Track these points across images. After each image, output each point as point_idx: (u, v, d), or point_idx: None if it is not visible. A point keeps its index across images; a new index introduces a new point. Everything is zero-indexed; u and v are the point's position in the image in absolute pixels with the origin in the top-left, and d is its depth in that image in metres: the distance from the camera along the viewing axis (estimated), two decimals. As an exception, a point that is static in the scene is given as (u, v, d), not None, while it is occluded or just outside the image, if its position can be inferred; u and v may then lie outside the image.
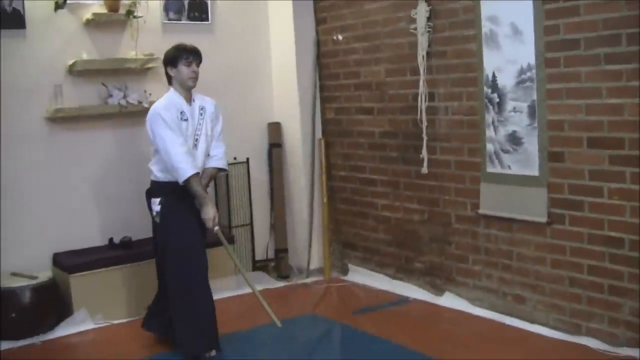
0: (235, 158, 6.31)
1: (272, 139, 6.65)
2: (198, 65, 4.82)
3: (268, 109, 6.71)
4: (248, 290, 5.57)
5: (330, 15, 6.42)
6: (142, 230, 5.82)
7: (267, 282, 6.31)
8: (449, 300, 5.59)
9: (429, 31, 5.47)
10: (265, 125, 6.68)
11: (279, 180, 6.67)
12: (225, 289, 5.93)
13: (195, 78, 4.78)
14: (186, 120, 4.75)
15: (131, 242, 5.84)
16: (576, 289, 4.75)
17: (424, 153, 5.61)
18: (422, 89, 5.55)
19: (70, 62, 5.64)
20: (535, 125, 4.83)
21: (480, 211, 5.29)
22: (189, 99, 4.83)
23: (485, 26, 5.07)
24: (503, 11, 4.94)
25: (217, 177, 6.28)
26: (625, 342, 4.48)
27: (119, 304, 5.56)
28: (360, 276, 6.39)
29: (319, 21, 6.56)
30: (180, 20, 6.16)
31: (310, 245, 6.57)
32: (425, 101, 5.55)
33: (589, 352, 4.55)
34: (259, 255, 6.62)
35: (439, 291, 5.71)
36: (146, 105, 5.77)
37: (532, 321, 5.02)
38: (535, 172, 4.88)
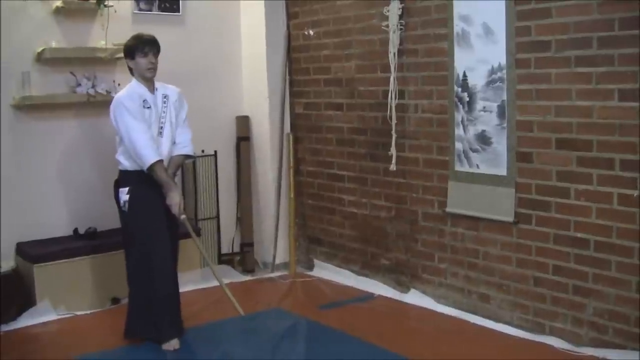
0: (203, 151, 6.28)
1: (240, 133, 6.63)
2: (156, 55, 4.86)
3: (237, 102, 6.69)
4: (214, 283, 5.58)
5: (302, 10, 6.41)
6: (107, 221, 5.80)
7: (232, 276, 6.29)
8: (414, 298, 5.62)
9: (400, 29, 5.49)
10: (234, 118, 6.65)
11: (246, 174, 6.66)
12: (191, 281, 5.91)
13: (152, 69, 4.84)
14: (149, 107, 4.81)
15: (96, 233, 5.79)
16: (541, 289, 4.80)
17: (393, 150, 5.62)
18: (392, 86, 5.56)
19: (39, 49, 5.57)
20: (505, 125, 4.87)
21: (448, 209, 5.32)
22: (152, 88, 4.89)
23: (458, 25, 5.09)
24: (475, 11, 4.96)
25: (184, 169, 6.26)
26: (589, 342, 4.54)
27: (83, 295, 5.52)
28: (326, 272, 6.41)
29: (290, 16, 6.54)
30: (151, 10, 6.11)
31: (276, 240, 6.55)
32: (395, 98, 5.56)
33: (552, 352, 4.59)
34: (225, 249, 6.60)
35: (405, 288, 5.74)
36: (114, 96, 5.72)
37: (496, 319, 5.06)
38: (503, 171, 4.92)
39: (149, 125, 4.78)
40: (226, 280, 5.74)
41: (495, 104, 4.90)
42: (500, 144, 4.90)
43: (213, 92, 6.54)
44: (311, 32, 6.35)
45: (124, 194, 4.81)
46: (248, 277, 6.41)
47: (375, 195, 5.93)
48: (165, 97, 4.94)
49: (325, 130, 6.32)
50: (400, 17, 5.47)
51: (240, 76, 6.71)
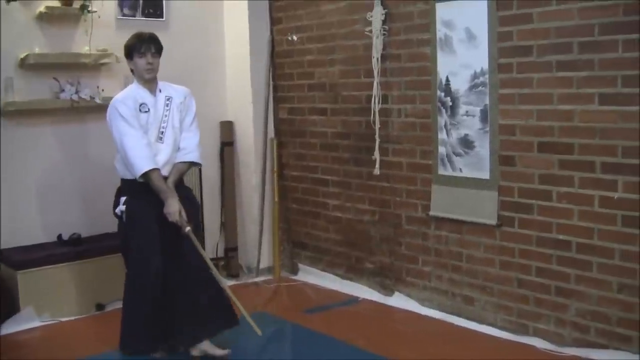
0: (187, 156, 6.31)
1: (224, 138, 6.64)
2: (155, 55, 4.64)
3: (221, 107, 6.70)
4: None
5: (286, 15, 6.44)
6: (92, 227, 5.81)
7: (217, 281, 6.30)
8: (399, 301, 5.65)
9: (384, 34, 5.53)
10: (218, 123, 6.66)
11: (230, 179, 6.67)
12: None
13: (151, 69, 4.62)
14: (147, 112, 4.59)
15: (81, 239, 5.77)
16: (524, 290, 4.85)
17: (376, 154, 5.66)
18: (375, 91, 5.60)
19: (22, 55, 5.55)
20: (487, 129, 4.92)
21: (431, 213, 5.37)
22: (154, 90, 4.68)
23: (440, 31, 5.14)
24: (458, 16, 5.02)
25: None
26: (572, 343, 4.61)
27: (67, 301, 5.50)
28: (311, 276, 6.43)
29: (274, 21, 6.57)
30: (134, 16, 6.11)
31: (260, 244, 6.57)
32: (378, 103, 5.60)
33: (535, 352, 4.65)
34: (209, 254, 6.55)
35: (389, 291, 5.78)
36: (98, 101, 5.73)
37: (480, 321, 5.11)
38: (486, 175, 4.97)
39: (145, 131, 4.55)
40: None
41: (478, 109, 4.96)
42: (483, 147, 4.95)
43: (197, 97, 6.40)
44: (295, 38, 6.38)
45: (121, 204, 4.64)
46: (233, 282, 6.42)
47: (359, 199, 5.96)
48: (168, 99, 4.69)
49: (309, 134, 6.35)
50: (384, 22, 5.52)
51: (224, 82, 6.72)
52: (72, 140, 5.89)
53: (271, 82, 6.59)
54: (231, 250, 6.66)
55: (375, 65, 5.58)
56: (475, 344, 4.87)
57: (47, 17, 5.66)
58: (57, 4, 5.65)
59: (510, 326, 4.95)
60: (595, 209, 4.43)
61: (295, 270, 6.64)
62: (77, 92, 5.73)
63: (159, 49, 4.66)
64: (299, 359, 4.80)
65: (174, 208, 4.48)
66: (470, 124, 5.01)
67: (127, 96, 4.59)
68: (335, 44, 6.02)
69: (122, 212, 4.62)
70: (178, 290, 4.57)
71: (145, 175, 4.46)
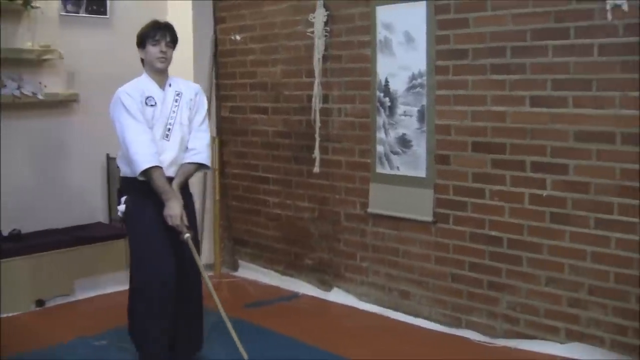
0: (129, 152, 6.34)
1: (166, 135, 6.69)
2: (169, 44, 4.26)
3: (163, 104, 6.74)
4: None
5: (230, 15, 6.52)
6: (33, 222, 5.79)
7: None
8: (338, 296, 5.78)
9: (325, 35, 5.65)
10: (161, 121, 6.69)
11: (172, 176, 6.71)
12: (117, 283, 5.93)
13: (164, 58, 4.22)
14: (153, 105, 4.19)
15: (21, 235, 5.74)
16: (458, 285, 5.03)
17: (317, 153, 5.78)
18: (316, 90, 5.72)
19: (-37, 50, 5.53)
20: (424, 129, 5.08)
21: (369, 210, 5.51)
22: (163, 83, 4.29)
23: (380, 33, 5.29)
24: (398, 19, 5.17)
25: (110, 171, 6.27)
26: (502, 334, 4.80)
27: (6, 297, 5.42)
28: (251, 272, 6.51)
29: (217, 20, 6.64)
30: (78, 13, 6.12)
31: (201, 241, 6.62)
32: (319, 103, 5.73)
33: (468, 344, 4.83)
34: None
35: (328, 287, 5.90)
36: (41, 97, 5.74)
37: (416, 315, 5.27)
38: (422, 173, 5.13)
39: (150, 127, 4.15)
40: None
41: (416, 109, 5.11)
42: (420, 147, 5.12)
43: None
44: (238, 37, 6.46)
45: (122, 204, 4.27)
46: (173, 278, 6.46)
47: (299, 196, 6.08)
48: (178, 94, 4.29)
49: (250, 133, 6.44)
50: (326, 24, 5.64)
51: (167, 79, 6.75)
52: (13, 136, 5.85)
53: (214, 81, 6.67)
54: (172, 246, 6.69)
55: (317, 66, 5.70)
56: (412, 337, 5.01)
57: (-12, 12, 5.65)
58: (0, -1, 5.64)
59: (445, 319, 5.12)
60: (525, 206, 4.63)
61: (235, 267, 6.71)
62: (19, 88, 5.71)
63: (174, 39, 4.31)
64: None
65: (175, 211, 4.07)
66: (407, 123, 5.17)
67: (133, 87, 4.21)
68: (277, 44, 6.13)
69: (122, 213, 4.27)
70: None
71: (147, 173, 4.05)
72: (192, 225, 4.31)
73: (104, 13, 6.27)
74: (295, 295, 5.93)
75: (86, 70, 6.14)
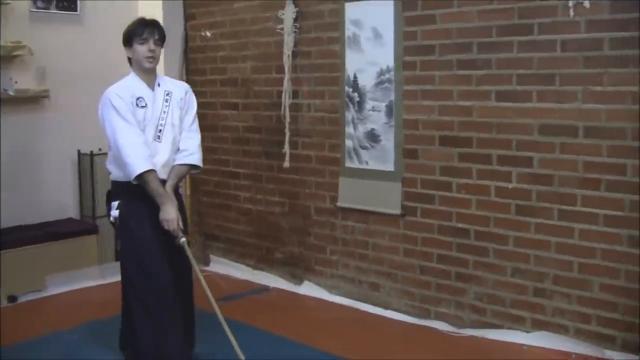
0: (100, 149, 6.34)
1: (137, 131, 6.71)
2: (157, 42, 4.08)
3: (134, 101, 6.76)
4: (113, 279, 5.69)
5: (200, 11, 6.56)
6: (3, 219, 5.81)
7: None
8: (308, 289, 5.85)
9: (295, 32, 5.72)
10: (131, 117, 6.72)
11: (143, 172, 6.74)
12: (89, 278, 5.96)
13: (152, 57, 4.04)
14: (144, 106, 4.03)
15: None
16: (426, 276, 5.12)
17: (286, 148, 5.85)
18: (286, 86, 5.79)
19: None
20: (392, 123, 5.16)
21: (339, 204, 5.58)
22: (152, 83, 4.13)
23: (349, 29, 5.36)
24: (366, 16, 5.24)
25: (82, 167, 6.30)
26: (470, 324, 4.90)
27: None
28: (222, 266, 6.55)
29: (188, 17, 6.68)
30: (48, 9, 6.14)
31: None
32: (289, 98, 5.80)
33: (437, 334, 4.92)
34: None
35: (299, 280, 5.97)
36: (12, 93, 5.76)
37: (385, 307, 5.35)
38: (390, 167, 5.21)
39: (142, 128, 3.99)
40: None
41: (384, 104, 5.20)
42: (388, 141, 5.20)
43: (110, 91, 6.59)
44: (208, 34, 6.50)
45: (114, 209, 4.08)
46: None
47: (269, 191, 6.14)
48: (168, 94, 4.15)
49: (221, 129, 6.49)
50: (295, 20, 5.71)
51: (137, 76, 6.77)
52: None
53: (184, 77, 6.68)
54: (143, 242, 6.71)
55: (286, 62, 5.77)
56: (381, 328, 5.09)
57: (-42, 8, 5.66)
58: (-31, -6, 5.65)
59: (414, 311, 5.21)
60: (491, 198, 4.73)
61: (207, 262, 6.75)
62: (-11, 83, 5.74)
63: (162, 37, 4.12)
64: (212, 343, 4.91)
65: (171, 215, 3.95)
66: (376, 118, 5.25)
67: (122, 88, 4.03)
68: (247, 41, 6.18)
69: (115, 218, 4.07)
70: None
71: (141, 177, 3.90)
72: (184, 227, 4.15)
73: (74, 9, 6.30)
74: (266, 289, 5.98)
75: (57, 66, 6.16)
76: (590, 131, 4.31)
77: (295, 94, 5.80)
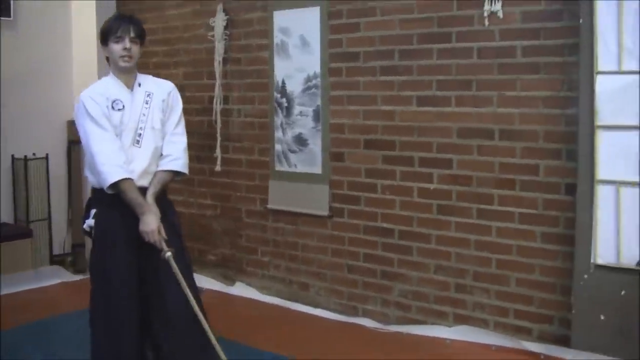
0: (34, 154, 6.38)
1: (71, 136, 6.71)
2: (134, 40, 3.68)
3: (68, 106, 6.68)
4: (48, 282, 5.75)
5: (131, 18, 6.61)
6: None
7: (64, 276, 6.37)
8: (240, 289, 5.94)
9: (225, 39, 5.84)
10: (65, 122, 6.75)
11: (77, 177, 6.75)
12: (24, 282, 5.98)
13: (128, 57, 3.66)
14: (121, 109, 3.66)
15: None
16: (353, 275, 5.28)
17: (218, 152, 5.98)
18: (217, 92, 5.91)
19: None
20: (319, 128, 5.32)
21: (269, 206, 5.71)
22: (131, 83, 3.75)
23: (277, 37, 5.51)
24: (293, 24, 5.40)
25: (15, 171, 6.31)
26: (395, 321, 5.07)
27: None
28: (156, 269, 6.60)
29: (119, 24, 6.72)
30: (-19, 14, 6.15)
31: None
32: (220, 104, 5.92)
33: (364, 331, 5.05)
34: (57, 250, 6.68)
35: (231, 281, 6.07)
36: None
37: (315, 305, 5.48)
38: (318, 170, 5.37)
39: (119, 133, 3.64)
40: (59, 280, 5.99)
41: (311, 109, 5.35)
42: (316, 145, 5.36)
43: (44, 96, 6.58)
44: (140, 40, 6.56)
45: (90, 218, 3.71)
46: (80, 277, 6.50)
47: (201, 194, 6.24)
48: (148, 94, 3.76)
49: (154, 134, 6.54)
50: (225, 27, 5.84)
51: (71, 81, 6.81)
52: None
53: (117, 83, 6.74)
54: (78, 246, 6.73)
55: (217, 68, 5.90)
56: (311, 326, 5.21)
57: None
58: None
59: (342, 309, 5.36)
60: (414, 199, 4.92)
61: (141, 265, 6.79)
62: None
63: (140, 34, 3.75)
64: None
65: (151, 226, 3.54)
66: (304, 123, 5.41)
67: (97, 90, 3.68)
68: (179, 47, 6.28)
69: (90, 227, 3.71)
70: (161, 334, 3.76)
71: (116, 186, 3.55)
72: (177, 237, 3.80)
73: (8, 15, 6.26)
74: (199, 290, 6.04)
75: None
76: (505, 134, 4.53)
77: (226, 100, 5.92)
